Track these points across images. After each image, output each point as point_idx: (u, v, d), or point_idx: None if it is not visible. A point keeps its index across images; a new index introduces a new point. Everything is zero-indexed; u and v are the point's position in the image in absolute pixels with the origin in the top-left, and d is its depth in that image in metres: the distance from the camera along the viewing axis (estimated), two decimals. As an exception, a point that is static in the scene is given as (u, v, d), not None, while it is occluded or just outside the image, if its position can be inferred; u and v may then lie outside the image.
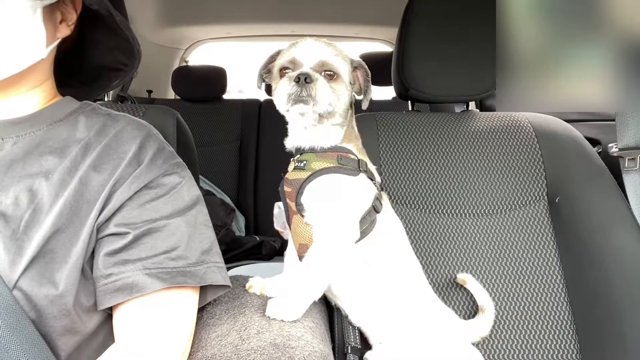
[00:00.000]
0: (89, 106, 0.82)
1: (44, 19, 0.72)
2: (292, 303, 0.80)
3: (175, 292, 0.70)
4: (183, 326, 0.70)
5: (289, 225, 0.89)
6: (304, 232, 0.84)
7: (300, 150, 0.88)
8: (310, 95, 0.78)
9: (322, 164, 0.83)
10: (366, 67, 0.87)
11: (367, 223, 0.83)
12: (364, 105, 0.88)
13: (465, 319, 0.97)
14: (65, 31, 0.77)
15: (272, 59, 0.88)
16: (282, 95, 0.80)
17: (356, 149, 0.88)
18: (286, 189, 0.87)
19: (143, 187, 0.72)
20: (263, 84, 0.92)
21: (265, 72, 0.90)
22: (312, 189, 0.82)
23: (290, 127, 0.90)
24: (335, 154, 0.85)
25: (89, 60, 0.88)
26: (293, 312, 0.79)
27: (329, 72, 0.81)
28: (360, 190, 0.84)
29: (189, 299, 0.72)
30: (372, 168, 0.89)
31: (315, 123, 0.83)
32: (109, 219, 0.70)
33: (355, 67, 0.87)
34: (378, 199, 0.87)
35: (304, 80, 0.78)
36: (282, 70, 0.84)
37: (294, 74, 0.79)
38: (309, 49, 0.82)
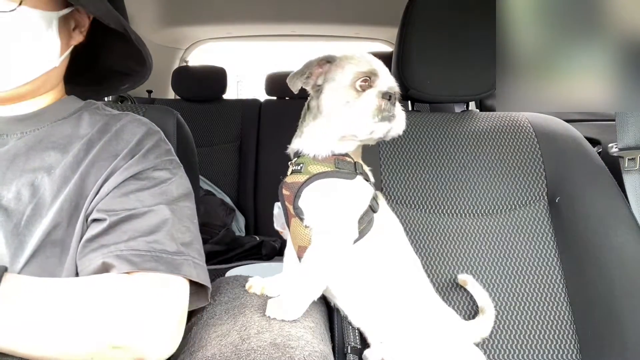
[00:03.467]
0: (92, 105, 0.83)
1: (59, 28, 0.73)
2: (291, 303, 0.80)
3: (145, 276, 0.65)
4: (149, 310, 0.64)
5: (288, 227, 0.89)
6: (303, 235, 0.84)
7: (297, 154, 0.87)
8: (393, 116, 0.77)
9: (319, 167, 0.83)
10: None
11: (364, 223, 0.83)
12: None
13: (465, 319, 0.97)
14: (78, 38, 0.79)
15: (322, 62, 0.83)
16: (368, 109, 0.76)
17: (353, 153, 0.87)
18: (284, 192, 0.86)
19: (130, 177, 0.72)
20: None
21: (310, 73, 0.84)
22: (310, 193, 0.82)
23: (307, 133, 0.87)
24: (332, 157, 0.84)
25: (100, 62, 0.89)
26: (293, 311, 0.79)
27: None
28: (357, 192, 0.84)
29: (174, 285, 0.67)
30: (367, 169, 0.89)
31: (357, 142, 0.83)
32: (95, 207, 0.70)
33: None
34: (375, 198, 0.87)
35: (393, 97, 0.77)
36: (357, 81, 0.79)
37: (382, 89, 0.77)
38: (385, 69, 0.81)
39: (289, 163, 0.89)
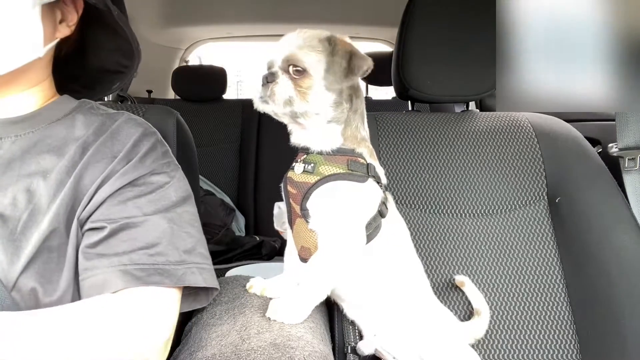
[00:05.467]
0: (87, 104, 0.81)
1: (43, 17, 0.71)
2: (294, 306, 0.79)
3: (150, 289, 0.66)
4: (156, 323, 0.66)
5: (291, 226, 0.88)
6: (307, 236, 0.83)
7: (306, 150, 0.85)
8: (267, 96, 0.78)
9: (331, 168, 0.81)
10: (340, 38, 0.80)
11: (372, 228, 0.82)
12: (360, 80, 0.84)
13: (463, 320, 0.97)
14: (64, 31, 0.76)
15: None
16: (254, 96, 0.81)
17: (367, 151, 0.85)
18: (290, 189, 0.85)
19: (127, 184, 0.71)
20: None
21: None
22: (320, 196, 0.80)
23: (288, 126, 0.88)
24: (345, 157, 0.82)
25: (91, 64, 0.88)
26: (295, 315, 0.79)
27: (296, 68, 0.77)
28: (367, 197, 0.82)
29: (167, 298, 0.68)
30: (381, 171, 0.87)
31: (293, 122, 0.83)
32: (90, 215, 0.69)
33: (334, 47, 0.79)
34: (384, 202, 0.85)
35: (265, 80, 0.78)
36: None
37: (264, 74, 0.80)
38: (281, 45, 0.80)
39: (298, 159, 0.86)
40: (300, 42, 0.78)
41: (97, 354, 0.60)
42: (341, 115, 0.82)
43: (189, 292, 0.74)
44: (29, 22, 0.69)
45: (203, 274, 0.72)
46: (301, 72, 0.77)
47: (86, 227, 0.69)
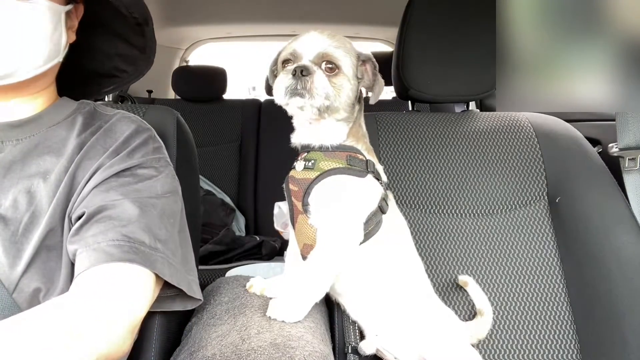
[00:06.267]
0: (87, 106, 0.82)
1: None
2: (293, 304, 0.79)
3: (125, 266, 0.64)
4: (130, 298, 0.63)
5: (293, 224, 0.88)
6: (309, 233, 0.84)
7: (307, 148, 0.86)
8: (305, 89, 0.76)
9: (331, 164, 0.82)
10: (374, 60, 0.84)
11: (372, 224, 0.83)
12: (372, 101, 0.86)
13: (465, 320, 0.97)
14: (72, 37, 0.79)
15: (280, 53, 0.86)
16: (280, 88, 0.78)
17: (365, 147, 0.87)
18: (292, 187, 0.86)
19: (113, 175, 0.71)
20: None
21: (276, 67, 0.88)
22: (320, 190, 0.81)
23: (294, 122, 0.88)
24: (344, 153, 0.83)
25: (82, 67, 0.88)
26: (295, 313, 0.79)
27: (329, 65, 0.79)
28: (366, 192, 0.83)
29: (142, 277, 0.65)
30: (380, 168, 0.88)
31: (317, 117, 0.81)
32: (77, 208, 0.69)
33: (363, 61, 0.84)
34: (384, 199, 0.86)
35: (300, 73, 0.76)
36: (284, 64, 0.82)
37: (292, 66, 0.78)
38: (310, 41, 0.80)
39: (299, 158, 0.87)
40: (336, 42, 0.80)
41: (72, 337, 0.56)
42: (351, 115, 0.85)
43: (176, 293, 0.73)
44: (59, 29, 0.73)
45: (170, 269, 0.69)
46: (333, 69, 0.79)
47: (73, 217, 0.69)
